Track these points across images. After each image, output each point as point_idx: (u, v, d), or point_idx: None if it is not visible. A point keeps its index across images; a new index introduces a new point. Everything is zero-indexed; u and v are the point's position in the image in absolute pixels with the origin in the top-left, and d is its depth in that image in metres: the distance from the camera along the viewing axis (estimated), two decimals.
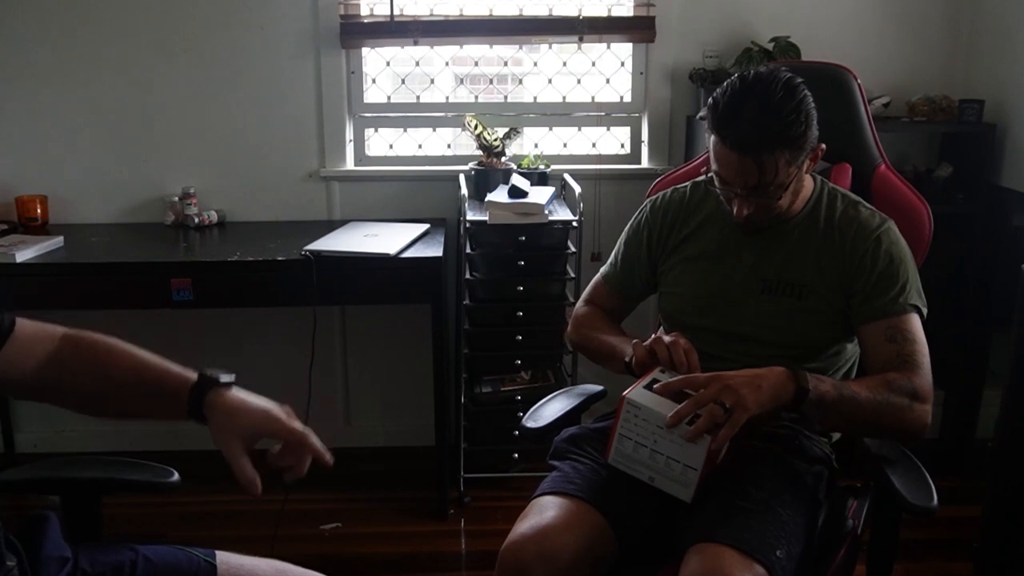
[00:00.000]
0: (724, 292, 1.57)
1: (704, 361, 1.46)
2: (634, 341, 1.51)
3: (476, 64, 2.99)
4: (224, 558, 1.25)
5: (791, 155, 1.41)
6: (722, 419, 1.28)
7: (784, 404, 1.34)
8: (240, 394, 1.10)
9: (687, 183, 1.72)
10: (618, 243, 1.76)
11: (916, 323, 1.46)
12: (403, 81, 2.98)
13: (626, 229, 1.75)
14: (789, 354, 1.50)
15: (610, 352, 1.61)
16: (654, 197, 1.73)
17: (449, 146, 3.06)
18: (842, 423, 1.48)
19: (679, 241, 1.66)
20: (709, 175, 1.55)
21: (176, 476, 1.34)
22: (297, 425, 1.10)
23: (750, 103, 1.39)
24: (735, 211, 1.49)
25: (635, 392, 1.39)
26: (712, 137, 1.45)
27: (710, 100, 1.45)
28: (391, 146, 3.03)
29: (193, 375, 1.12)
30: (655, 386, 1.38)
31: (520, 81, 3.02)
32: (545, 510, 1.40)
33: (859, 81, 1.75)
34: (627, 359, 1.53)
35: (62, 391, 1.13)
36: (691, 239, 1.64)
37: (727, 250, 1.59)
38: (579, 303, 1.79)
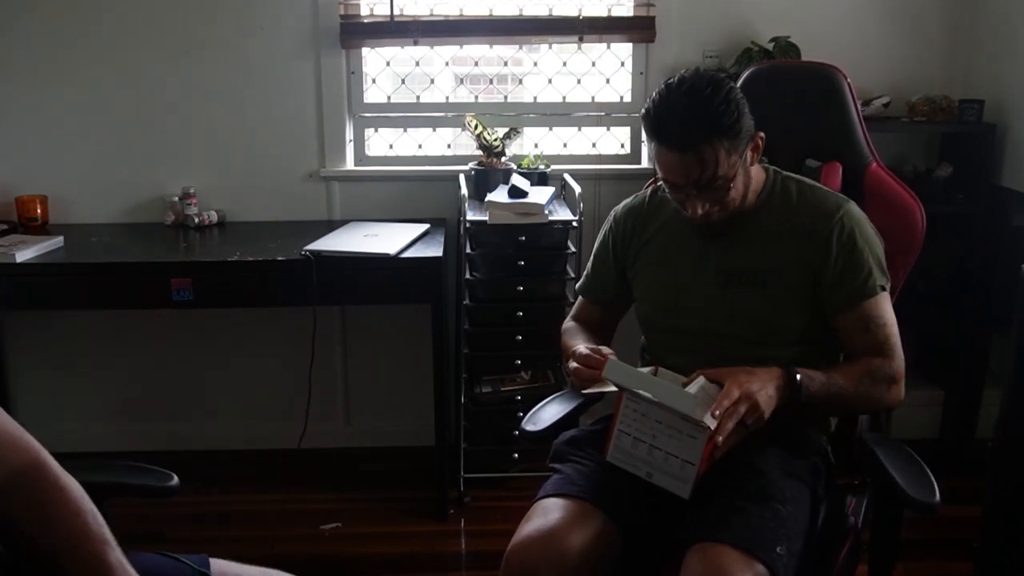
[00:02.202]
0: (689, 291, 1.59)
1: (681, 357, 1.54)
2: (573, 366, 1.53)
3: (476, 64, 2.99)
4: (218, 566, 1.24)
5: (729, 144, 1.43)
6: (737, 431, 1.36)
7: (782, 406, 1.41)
8: None
9: (646, 188, 1.75)
10: (591, 255, 1.79)
11: (884, 302, 1.51)
12: (403, 81, 2.98)
13: (596, 240, 1.79)
14: (762, 342, 1.52)
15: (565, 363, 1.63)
16: (617, 207, 1.76)
17: (449, 146, 3.06)
18: (826, 411, 1.59)
19: (641, 246, 1.68)
20: (661, 185, 1.58)
21: (176, 480, 1.35)
22: None
23: (679, 102, 1.42)
24: (690, 212, 1.50)
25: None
26: (652, 144, 1.47)
27: (643, 110, 1.47)
28: (391, 146, 3.03)
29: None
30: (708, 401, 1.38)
31: (520, 81, 3.02)
32: (549, 512, 1.40)
33: (849, 80, 1.76)
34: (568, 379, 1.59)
35: None
36: (652, 243, 1.67)
37: (687, 249, 1.61)
38: (565, 321, 1.82)
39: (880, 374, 1.48)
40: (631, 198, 1.75)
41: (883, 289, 1.51)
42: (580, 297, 1.81)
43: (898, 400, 1.51)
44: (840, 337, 1.54)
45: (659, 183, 1.59)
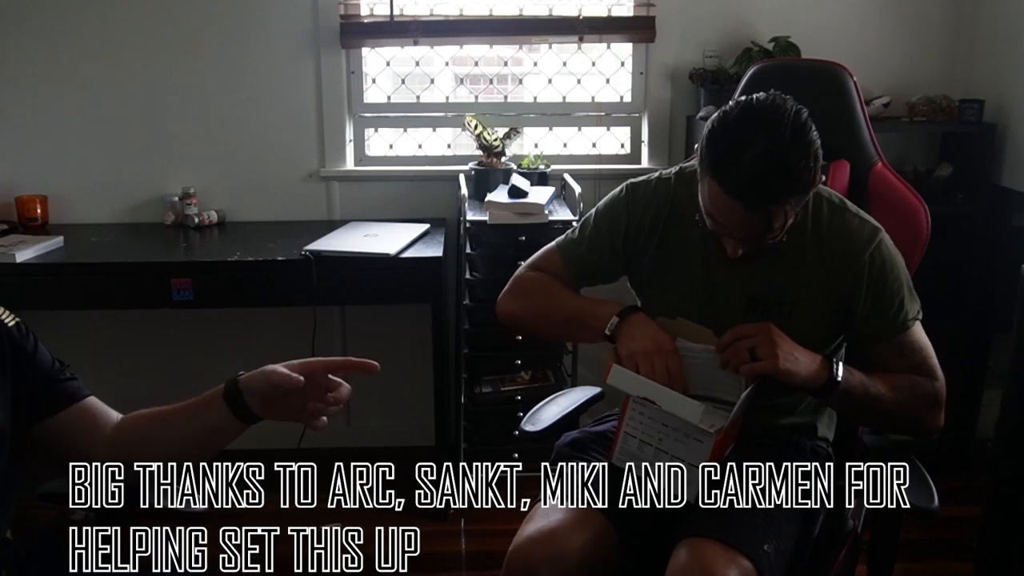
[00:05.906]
0: (707, 307, 1.47)
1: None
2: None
3: (476, 64, 2.99)
4: None
5: (799, 200, 1.31)
6: (745, 362, 1.31)
7: (811, 388, 1.37)
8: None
9: (672, 172, 1.56)
10: (586, 218, 1.60)
11: (918, 331, 1.45)
12: (403, 81, 2.98)
13: (600, 205, 1.59)
14: None
15: (580, 316, 1.49)
16: (636, 182, 1.57)
17: (449, 146, 3.06)
18: (860, 416, 1.54)
19: (659, 239, 1.52)
20: (698, 216, 1.40)
21: None
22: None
23: (756, 151, 1.24)
24: (728, 250, 1.38)
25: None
26: (707, 180, 1.31)
27: (705, 135, 1.30)
28: (391, 146, 3.03)
29: (220, 387, 1.23)
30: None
31: (520, 81, 3.02)
32: (550, 513, 1.40)
33: (855, 79, 1.75)
34: (608, 331, 1.43)
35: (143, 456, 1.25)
36: (673, 240, 1.50)
37: (711, 262, 1.48)
38: (522, 269, 1.62)
39: (921, 390, 1.42)
40: (654, 178, 1.55)
41: (915, 320, 1.43)
42: (555, 252, 1.61)
43: (936, 427, 1.45)
44: (873, 364, 1.45)
45: (696, 212, 1.40)
